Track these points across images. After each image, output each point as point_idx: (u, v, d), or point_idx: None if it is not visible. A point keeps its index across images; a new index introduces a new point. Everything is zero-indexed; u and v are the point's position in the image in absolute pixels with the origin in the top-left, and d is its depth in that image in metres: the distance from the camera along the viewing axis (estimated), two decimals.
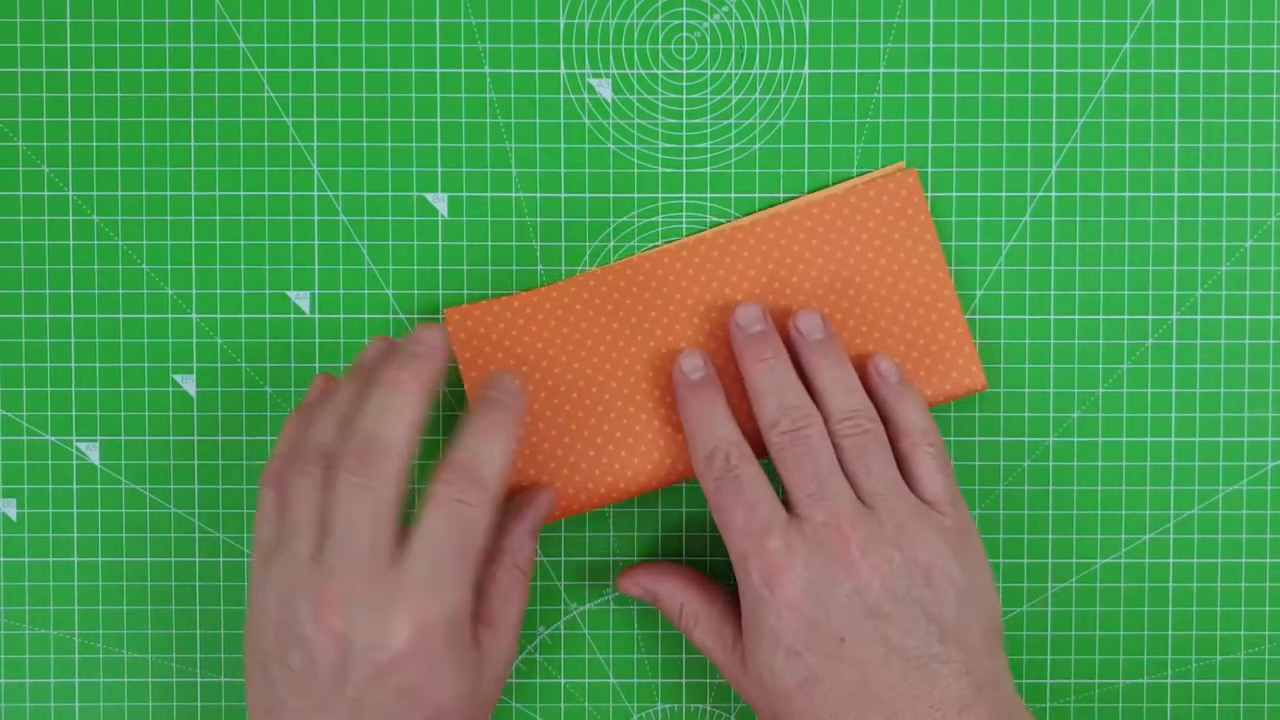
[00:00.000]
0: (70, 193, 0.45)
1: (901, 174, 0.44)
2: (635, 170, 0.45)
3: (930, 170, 0.45)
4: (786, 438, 0.40)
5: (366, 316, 0.45)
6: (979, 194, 0.45)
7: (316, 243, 0.45)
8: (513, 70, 0.45)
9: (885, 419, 0.42)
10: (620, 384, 0.45)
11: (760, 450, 0.43)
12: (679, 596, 0.43)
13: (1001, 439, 0.46)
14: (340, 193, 0.45)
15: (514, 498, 0.43)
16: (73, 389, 0.45)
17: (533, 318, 0.45)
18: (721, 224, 0.45)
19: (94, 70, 0.45)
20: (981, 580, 0.40)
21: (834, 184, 0.45)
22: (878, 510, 0.39)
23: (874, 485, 0.40)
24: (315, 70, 0.45)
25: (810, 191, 0.45)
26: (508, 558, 0.41)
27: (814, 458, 0.40)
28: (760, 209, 0.45)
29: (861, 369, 0.43)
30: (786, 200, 0.45)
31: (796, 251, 0.45)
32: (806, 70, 0.45)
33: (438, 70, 0.45)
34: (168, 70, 0.45)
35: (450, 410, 0.46)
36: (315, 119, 0.45)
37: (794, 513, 0.40)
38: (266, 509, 0.39)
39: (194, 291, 0.45)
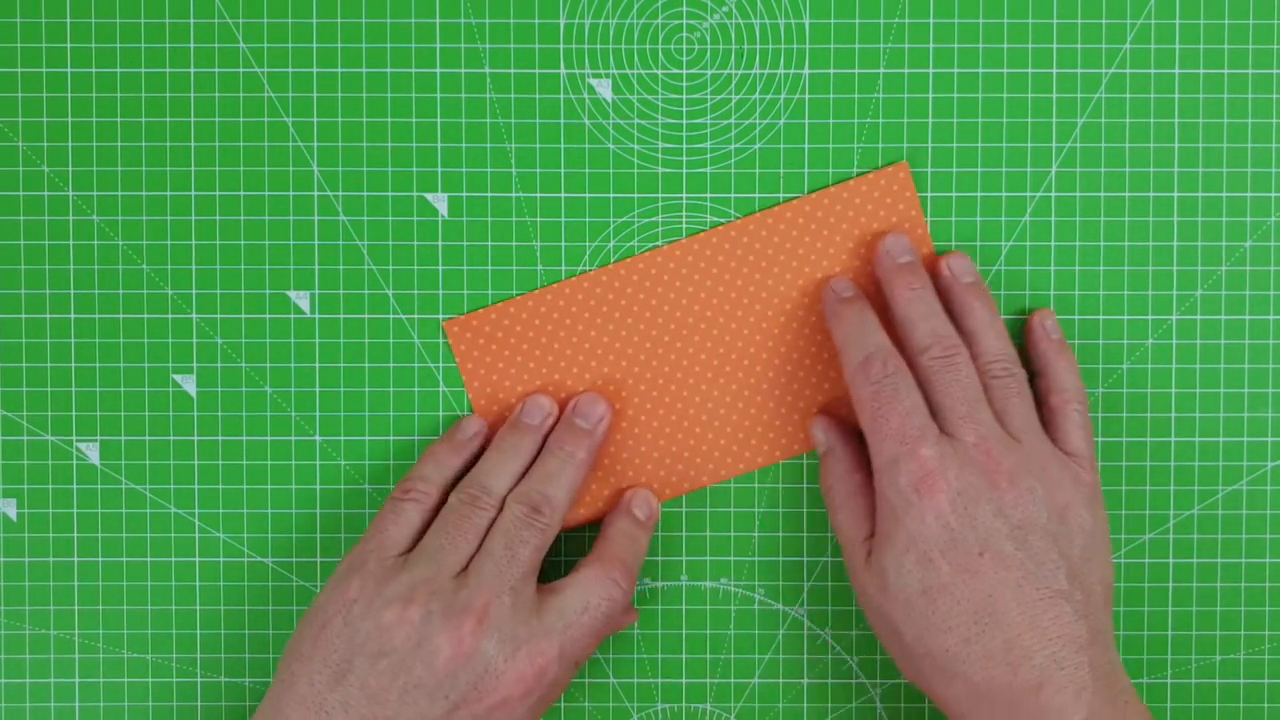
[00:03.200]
0: (70, 193, 0.45)
1: (893, 169, 0.44)
2: (635, 170, 0.45)
3: (930, 170, 0.45)
4: (939, 362, 0.41)
5: (366, 316, 0.45)
6: (979, 194, 0.45)
7: (316, 243, 0.45)
8: (513, 70, 0.45)
9: (1041, 372, 0.43)
10: (619, 386, 0.45)
11: None
12: (841, 468, 0.43)
13: None
14: (340, 193, 0.45)
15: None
16: (73, 389, 0.45)
17: (530, 322, 0.45)
18: (721, 224, 0.45)
19: (94, 70, 0.45)
20: (1105, 537, 0.41)
21: (833, 184, 0.45)
22: (1021, 444, 0.40)
23: (1018, 424, 0.41)
24: (315, 70, 0.45)
25: (810, 192, 0.45)
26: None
27: (964, 383, 0.40)
28: (760, 209, 0.45)
29: (1024, 320, 0.45)
30: (787, 200, 0.45)
31: (790, 249, 0.45)
32: (806, 70, 0.45)
33: (438, 70, 0.45)
34: (168, 70, 0.45)
35: (450, 410, 0.46)
36: (315, 119, 0.45)
37: (946, 432, 0.40)
38: (408, 520, 0.42)
39: (194, 291, 0.45)
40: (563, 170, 0.45)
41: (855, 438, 0.44)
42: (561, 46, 0.45)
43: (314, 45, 0.45)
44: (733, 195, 0.45)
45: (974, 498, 0.39)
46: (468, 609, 0.39)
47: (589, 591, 0.41)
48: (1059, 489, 0.40)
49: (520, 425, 0.44)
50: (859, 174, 0.45)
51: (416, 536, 0.42)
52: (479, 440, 0.44)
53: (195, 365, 0.46)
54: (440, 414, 0.45)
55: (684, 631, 0.46)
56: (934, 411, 0.41)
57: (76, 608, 0.46)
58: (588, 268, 0.45)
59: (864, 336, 0.42)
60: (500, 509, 0.42)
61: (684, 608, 0.46)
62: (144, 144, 0.45)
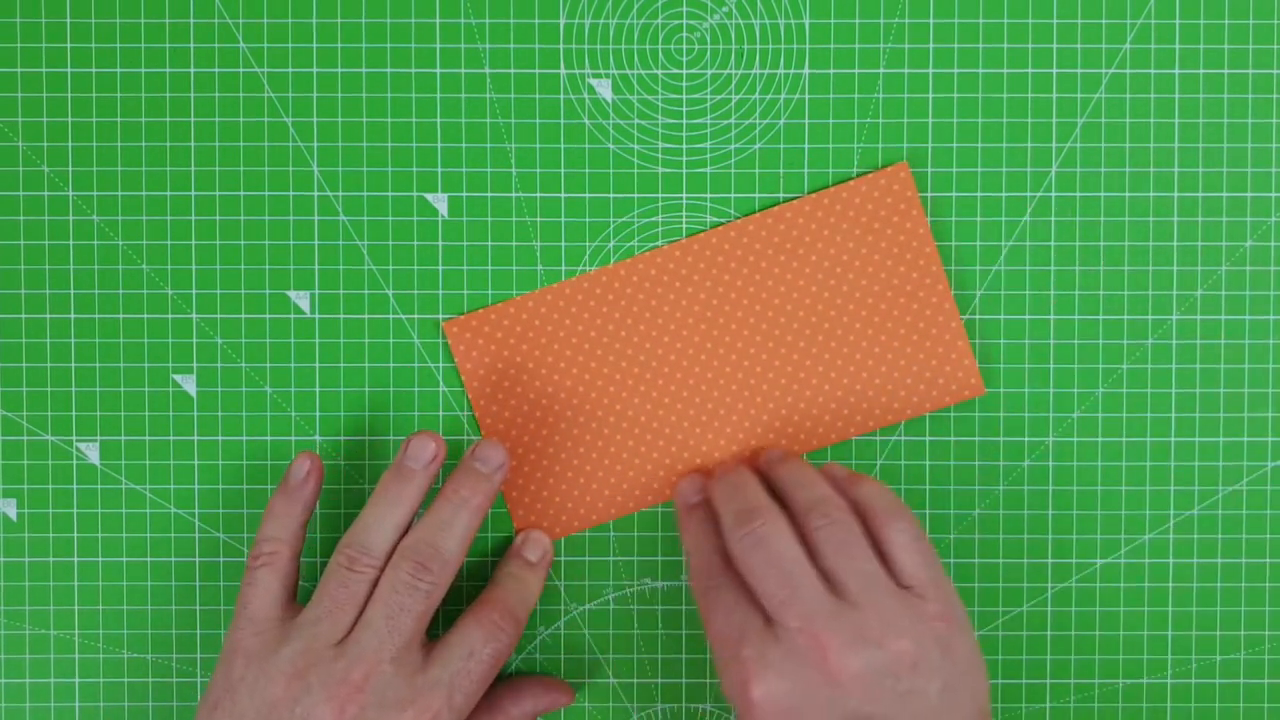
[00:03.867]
0: (70, 193, 0.45)
1: (893, 169, 0.44)
2: (635, 170, 0.45)
3: (930, 170, 0.45)
4: (745, 543, 0.39)
5: (366, 316, 0.45)
6: (979, 194, 0.45)
7: (316, 243, 0.45)
8: (513, 70, 0.45)
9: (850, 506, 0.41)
10: (619, 388, 0.45)
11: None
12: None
13: (1001, 439, 0.46)
14: (340, 193, 0.45)
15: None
16: (73, 389, 0.45)
17: (530, 323, 0.45)
18: (721, 224, 0.45)
19: (94, 70, 0.45)
20: (968, 666, 0.38)
21: (834, 184, 0.45)
22: (859, 604, 0.38)
23: (851, 579, 0.38)
24: (315, 70, 0.45)
25: (810, 192, 0.45)
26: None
27: (777, 560, 0.38)
28: (760, 209, 0.45)
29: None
30: (787, 200, 0.45)
31: (790, 249, 0.45)
32: (806, 70, 0.45)
33: (438, 70, 0.45)
34: (168, 70, 0.45)
35: (450, 410, 0.46)
36: (315, 119, 0.45)
37: (769, 619, 0.38)
38: (267, 589, 0.41)
39: (194, 291, 0.45)
40: (563, 170, 0.45)
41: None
42: (561, 46, 0.45)
43: (314, 45, 0.45)
44: (733, 195, 0.45)
45: (803, 693, 0.37)
46: (345, 681, 0.38)
47: (472, 638, 0.40)
48: (904, 638, 0.37)
49: (404, 470, 0.41)
50: (859, 174, 0.45)
51: (284, 597, 0.41)
52: (313, 479, 0.43)
53: (195, 365, 0.46)
54: (440, 414, 0.46)
55: (684, 631, 0.46)
56: (758, 599, 0.39)
57: (76, 608, 0.46)
58: (588, 268, 0.45)
59: (700, 542, 0.42)
60: (385, 565, 0.40)
61: (684, 608, 0.46)
62: (144, 144, 0.45)
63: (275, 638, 0.40)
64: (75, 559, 0.46)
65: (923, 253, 0.44)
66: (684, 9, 0.45)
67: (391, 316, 0.45)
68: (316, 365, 0.45)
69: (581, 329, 0.45)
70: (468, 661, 0.40)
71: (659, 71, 0.45)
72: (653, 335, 0.45)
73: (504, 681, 0.44)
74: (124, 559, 0.46)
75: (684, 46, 0.45)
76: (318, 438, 0.46)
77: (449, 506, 0.41)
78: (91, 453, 0.46)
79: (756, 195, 0.45)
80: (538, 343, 0.45)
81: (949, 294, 0.45)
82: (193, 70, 0.45)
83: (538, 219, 0.45)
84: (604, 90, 0.45)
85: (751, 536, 0.39)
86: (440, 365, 0.45)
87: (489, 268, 0.45)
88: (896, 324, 0.44)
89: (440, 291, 0.45)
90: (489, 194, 0.45)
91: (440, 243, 0.45)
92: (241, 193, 0.45)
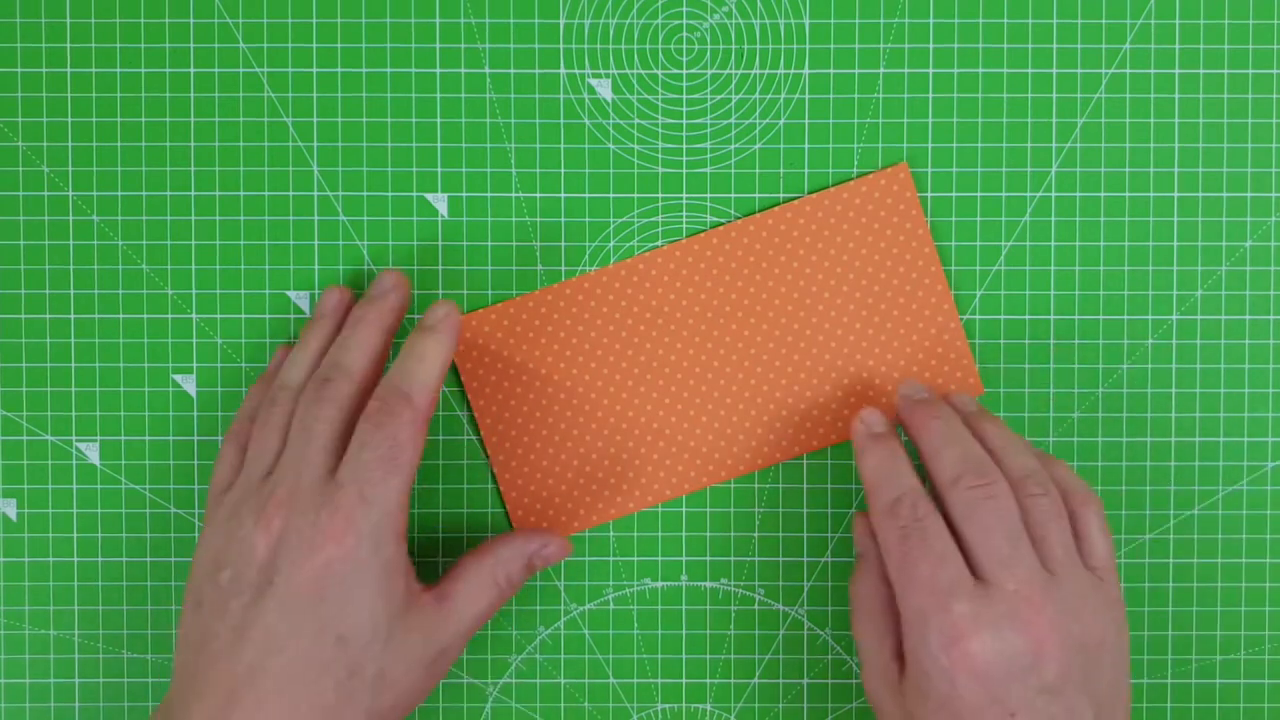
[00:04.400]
0: (70, 193, 0.45)
1: (893, 169, 0.44)
2: (635, 170, 0.45)
3: (930, 170, 0.45)
4: (976, 493, 0.38)
5: None
6: (979, 194, 0.45)
7: (316, 243, 0.45)
8: (513, 70, 0.45)
9: None
10: (619, 388, 0.45)
11: None
12: (876, 579, 0.41)
13: None
14: (340, 193, 0.45)
15: (531, 531, 0.43)
16: (73, 389, 0.45)
17: (529, 323, 0.45)
18: (721, 224, 0.45)
19: (94, 70, 0.45)
20: (1128, 657, 0.39)
21: (834, 184, 0.45)
22: (1060, 580, 0.38)
23: (1057, 553, 0.38)
24: (315, 70, 0.45)
25: (810, 192, 0.45)
26: (490, 559, 0.41)
27: (1006, 518, 0.38)
28: (760, 209, 0.45)
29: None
30: (787, 199, 0.45)
31: (790, 249, 0.45)
32: (806, 70, 0.45)
33: (438, 70, 0.45)
34: (168, 70, 0.45)
35: (450, 410, 0.46)
36: (315, 119, 0.45)
37: (981, 576, 0.37)
38: (227, 459, 0.42)
39: (194, 291, 0.45)
40: (563, 170, 0.45)
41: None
42: (561, 46, 0.45)
43: (314, 45, 0.45)
44: (733, 195, 0.45)
45: (1010, 661, 0.36)
46: (270, 500, 0.38)
47: (362, 430, 0.39)
48: (1095, 625, 0.38)
49: (314, 319, 0.43)
50: (859, 174, 0.45)
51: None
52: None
53: (195, 365, 0.46)
54: (440, 414, 0.45)
55: (684, 631, 0.46)
56: (969, 553, 0.38)
57: (76, 608, 0.46)
58: (588, 268, 0.45)
59: (894, 477, 0.39)
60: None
61: (684, 608, 0.46)
62: (144, 144, 0.45)
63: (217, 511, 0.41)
64: (75, 559, 0.46)
65: (922, 253, 0.44)
66: (684, 9, 0.45)
67: None
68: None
69: (581, 329, 0.45)
70: (362, 452, 0.38)
71: (659, 71, 0.45)
72: (652, 335, 0.45)
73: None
74: (124, 559, 0.46)
75: (684, 46, 0.45)
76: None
77: (347, 326, 0.42)
78: (91, 453, 0.46)
79: (756, 195, 0.45)
80: (537, 342, 0.45)
81: (948, 294, 0.45)
82: (193, 70, 0.45)
83: (538, 219, 0.45)
84: (604, 90, 0.45)
85: (985, 490, 0.38)
86: None
87: (489, 268, 0.45)
88: (896, 324, 0.44)
89: (440, 291, 0.45)
90: (489, 194, 0.45)
91: (440, 243, 0.45)
92: (241, 193, 0.45)
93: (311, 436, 0.39)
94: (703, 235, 0.45)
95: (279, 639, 0.37)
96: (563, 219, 0.45)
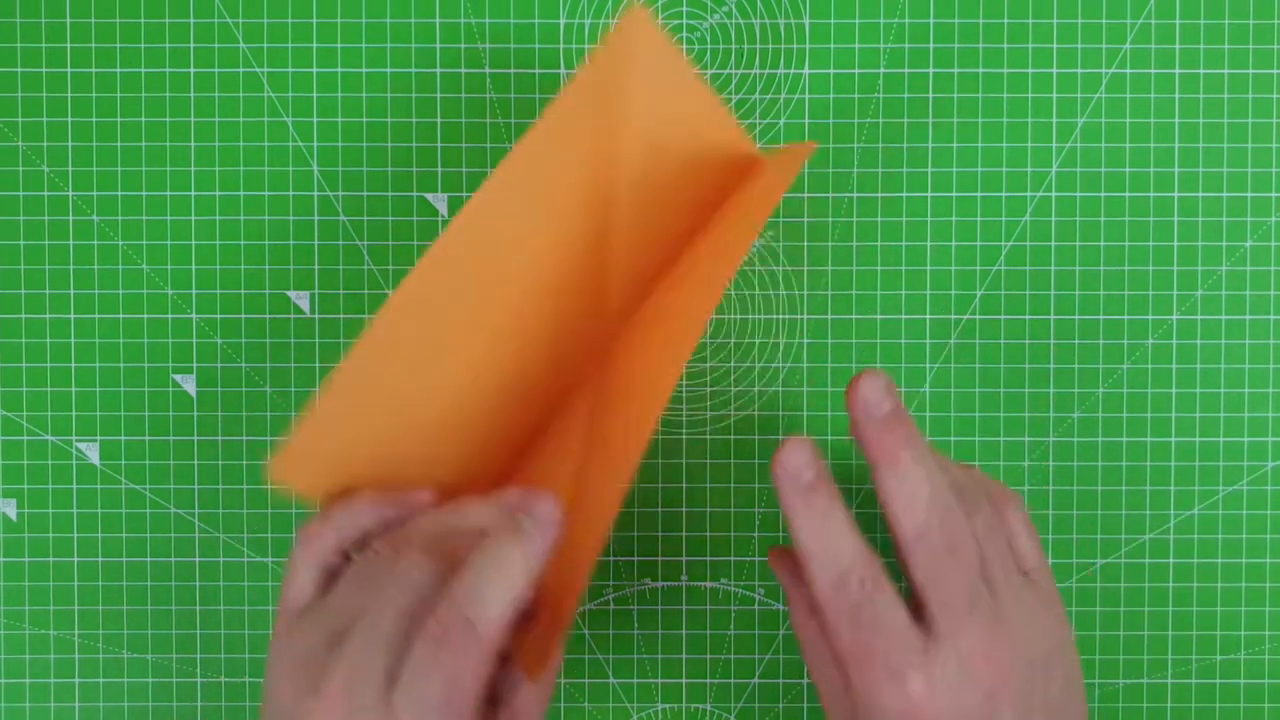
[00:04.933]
0: (70, 193, 0.45)
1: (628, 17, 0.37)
2: None
3: (930, 170, 0.45)
4: (940, 549, 0.35)
5: (366, 316, 0.45)
6: (979, 194, 0.45)
7: (316, 243, 0.45)
8: (513, 70, 0.45)
9: None
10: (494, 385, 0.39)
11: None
12: (807, 613, 0.38)
13: (1002, 439, 0.46)
14: (340, 193, 0.45)
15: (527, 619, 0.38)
16: (73, 389, 0.45)
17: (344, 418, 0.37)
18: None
19: (94, 70, 0.45)
20: (1073, 650, 0.38)
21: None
22: (1002, 601, 0.36)
23: (997, 573, 0.36)
24: (315, 70, 0.45)
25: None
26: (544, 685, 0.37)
27: (968, 572, 0.35)
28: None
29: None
30: (785, 199, 0.45)
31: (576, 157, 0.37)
32: (806, 70, 0.45)
33: (438, 70, 0.45)
34: (168, 70, 0.45)
35: None
36: (315, 119, 0.45)
37: (933, 631, 0.35)
38: (308, 582, 0.37)
39: (194, 291, 0.45)
40: None
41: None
42: (561, 46, 0.45)
43: (314, 45, 0.45)
44: None
45: (967, 716, 0.34)
46: (325, 682, 0.33)
47: (417, 668, 0.33)
48: (1039, 637, 0.36)
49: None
50: (858, 174, 0.45)
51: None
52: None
53: (195, 365, 0.46)
54: None
55: (684, 631, 0.46)
56: (923, 604, 0.35)
57: (76, 608, 0.46)
58: None
59: (836, 544, 0.35)
60: None
61: (684, 608, 0.46)
62: (144, 144, 0.45)
63: None
64: (75, 559, 0.46)
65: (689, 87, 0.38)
66: (684, 9, 0.45)
67: None
68: (316, 365, 0.45)
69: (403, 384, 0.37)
70: (416, 684, 0.33)
71: None
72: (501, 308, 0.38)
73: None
74: (124, 559, 0.46)
75: (684, 46, 0.45)
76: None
77: (488, 551, 0.35)
78: (91, 453, 0.46)
79: None
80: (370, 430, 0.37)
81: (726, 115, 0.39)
82: (193, 70, 0.45)
83: None
84: None
85: (950, 545, 0.35)
86: None
87: None
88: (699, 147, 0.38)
89: None
90: None
91: None
92: (241, 193, 0.45)
93: (431, 690, 0.33)
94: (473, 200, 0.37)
95: None
96: None
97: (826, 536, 0.35)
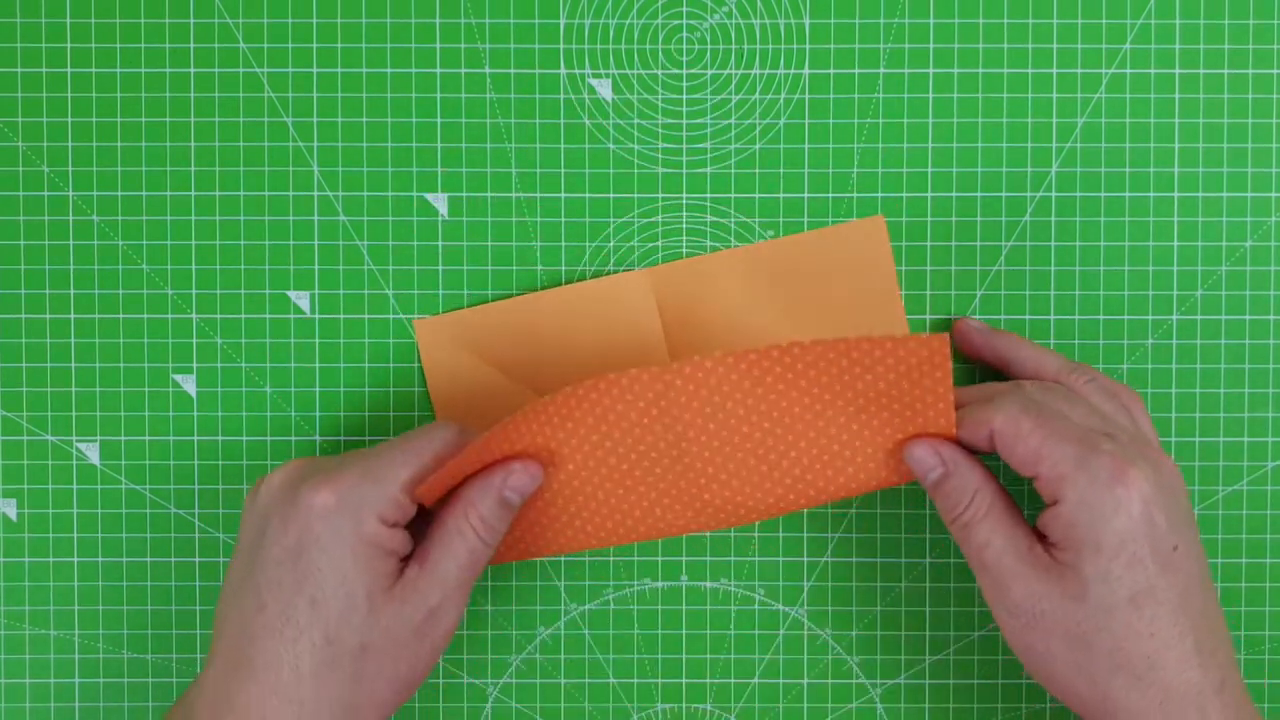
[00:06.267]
0: (70, 193, 0.45)
1: (870, 221, 0.45)
2: (635, 170, 0.45)
3: (930, 170, 0.45)
4: (1081, 379, 0.41)
5: (366, 316, 0.45)
6: (979, 194, 0.45)
7: (316, 243, 0.45)
8: (513, 70, 0.45)
9: (1033, 374, 0.43)
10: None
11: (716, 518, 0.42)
12: (975, 480, 0.39)
13: None
14: (340, 193, 0.45)
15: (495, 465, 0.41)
16: (73, 389, 0.45)
17: (501, 331, 0.44)
18: (722, 222, 0.45)
19: (94, 70, 0.45)
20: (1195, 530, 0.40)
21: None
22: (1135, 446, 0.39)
23: (1121, 420, 0.40)
24: (315, 70, 0.45)
25: (792, 231, 0.45)
26: (459, 506, 0.40)
27: (1105, 394, 0.41)
28: (760, 209, 0.45)
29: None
30: (786, 199, 0.45)
31: (765, 289, 0.44)
32: (806, 70, 0.45)
33: (438, 70, 0.45)
34: (168, 70, 0.45)
35: (425, 410, 0.46)
36: (315, 119, 0.45)
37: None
38: None
39: (194, 291, 0.45)
40: (563, 170, 0.45)
41: (971, 453, 0.40)
42: (561, 46, 0.45)
43: (314, 45, 0.45)
44: (733, 195, 0.45)
45: (1162, 490, 0.37)
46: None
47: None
48: (1182, 501, 0.39)
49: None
50: (858, 174, 0.45)
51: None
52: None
53: (195, 365, 0.46)
54: (417, 414, 0.45)
55: (684, 631, 0.46)
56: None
57: (76, 608, 0.46)
58: (588, 268, 0.45)
59: (998, 400, 0.39)
60: None
61: (684, 608, 0.46)
62: (144, 144, 0.45)
63: None
64: (75, 559, 0.46)
65: (889, 298, 0.45)
66: (684, 9, 0.45)
67: (391, 316, 0.45)
68: (316, 365, 0.45)
69: (548, 344, 0.44)
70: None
71: (659, 71, 0.45)
72: (621, 358, 0.44)
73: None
74: (124, 559, 0.46)
75: (684, 46, 0.45)
76: (318, 438, 0.46)
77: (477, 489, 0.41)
78: (91, 453, 0.46)
79: (756, 195, 0.45)
80: (507, 351, 0.44)
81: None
82: (193, 70, 0.45)
83: (538, 219, 0.45)
84: (604, 90, 0.45)
85: (1086, 376, 0.41)
86: None
87: (489, 268, 0.45)
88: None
89: (440, 291, 0.45)
90: (489, 194, 0.45)
91: (440, 243, 0.45)
92: (241, 193, 0.45)
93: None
94: (681, 262, 0.44)
95: (261, 595, 0.38)
96: (563, 219, 0.45)
97: (987, 402, 0.39)
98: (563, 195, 0.45)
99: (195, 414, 0.46)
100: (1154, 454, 0.38)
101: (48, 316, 0.45)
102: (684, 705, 0.46)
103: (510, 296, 0.45)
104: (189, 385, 0.46)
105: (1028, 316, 0.45)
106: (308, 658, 0.37)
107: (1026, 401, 0.38)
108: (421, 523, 0.41)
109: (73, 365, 0.45)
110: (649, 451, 0.40)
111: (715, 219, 0.45)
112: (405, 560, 0.39)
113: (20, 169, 0.45)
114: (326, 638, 0.37)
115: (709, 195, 0.45)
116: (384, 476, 0.39)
